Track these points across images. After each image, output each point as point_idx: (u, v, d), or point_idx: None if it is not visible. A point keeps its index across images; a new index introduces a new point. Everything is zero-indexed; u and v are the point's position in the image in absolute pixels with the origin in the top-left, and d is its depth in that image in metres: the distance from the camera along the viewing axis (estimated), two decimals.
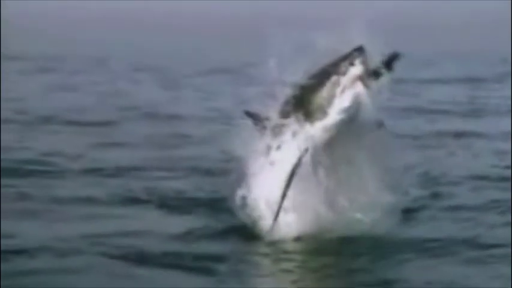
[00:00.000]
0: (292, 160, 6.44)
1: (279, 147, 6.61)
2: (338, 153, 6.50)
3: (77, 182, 9.41)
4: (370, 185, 6.65)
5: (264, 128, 6.76)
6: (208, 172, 9.44)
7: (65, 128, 13.80)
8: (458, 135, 13.51)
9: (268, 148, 6.71)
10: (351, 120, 6.29)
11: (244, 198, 6.81)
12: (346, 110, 6.24)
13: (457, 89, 22.65)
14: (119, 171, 9.92)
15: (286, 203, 6.51)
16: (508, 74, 29.14)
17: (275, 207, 6.50)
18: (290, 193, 6.50)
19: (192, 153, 11.12)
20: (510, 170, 9.92)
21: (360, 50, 6.14)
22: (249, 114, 6.95)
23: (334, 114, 6.25)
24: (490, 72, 29.92)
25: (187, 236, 7.13)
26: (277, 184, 6.57)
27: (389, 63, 6.33)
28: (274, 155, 6.65)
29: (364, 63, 6.12)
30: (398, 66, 6.45)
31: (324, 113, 6.30)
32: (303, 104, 6.42)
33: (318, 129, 6.34)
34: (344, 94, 6.23)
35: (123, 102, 17.32)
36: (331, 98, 6.26)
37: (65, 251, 6.62)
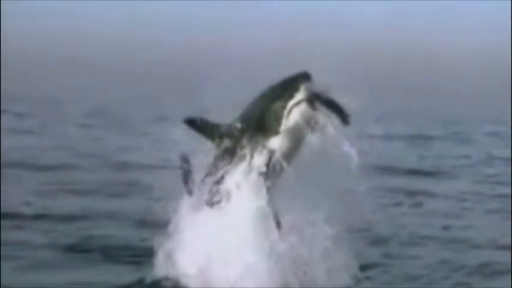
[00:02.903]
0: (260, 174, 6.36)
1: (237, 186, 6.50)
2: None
3: (24, 228, 9.26)
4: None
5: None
6: (154, 223, 9.36)
7: (15, 172, 13.63)
8: (408, 193, 13.62)
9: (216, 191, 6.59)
10: (299, 145, 6.32)
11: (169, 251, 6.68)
12: (293, 133, 6.30)
13: (405, 145, 23.06)
14: (66, 219, 9.83)
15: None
16: (457, 133, 29.74)
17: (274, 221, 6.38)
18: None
19: (139, 203, 11.04)
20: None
21: (305, 76, 6.24)
22: (185, 159, 6.81)
23: (281, 137, 6.30)
24: (440, 131, 30.51)
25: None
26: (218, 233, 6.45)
27: (341, 116, 6.37)
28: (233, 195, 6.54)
29: (309, 88, 6.20)
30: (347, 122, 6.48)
31: (272, 133, 6.33)
32: (251, 128, 6.40)
33: (273, 144, 6.33)
34: (290, 116, 6.29)
35: (75, 148, 17.18)
36: (278, 120, 6.31)
37: None
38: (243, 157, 6.39)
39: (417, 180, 15.89)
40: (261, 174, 6.32)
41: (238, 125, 6.42)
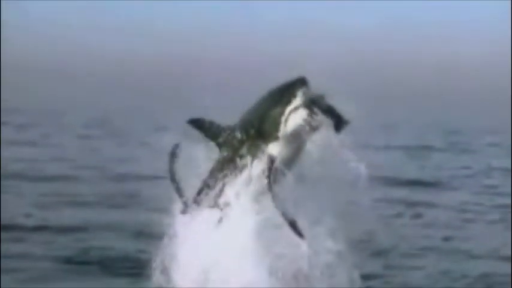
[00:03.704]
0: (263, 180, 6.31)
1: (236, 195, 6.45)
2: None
3: (24, 240, 9.26)
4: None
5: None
6: (152, 235, 9.33)
7: (14, 183, 13.63)
8: (409, 204, 13.61)
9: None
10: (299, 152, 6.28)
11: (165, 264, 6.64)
12: (291, 139, 6.26)
13: (405, 156, 23.07)
14: (65, 230, 9.84)
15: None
16: (457, 144, 29.75)
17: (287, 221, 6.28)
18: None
19: (139, 214, 11.03)
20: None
21: (302, 81, 6.22)
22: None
23: (279, 143, 6.26)
24: (440, 142, 30.52)
25: None
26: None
27: (336, 124, 6.34)
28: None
29: (306, 94, 6.18)
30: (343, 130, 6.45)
31: (271, 139, 6.29)
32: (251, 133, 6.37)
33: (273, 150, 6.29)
34: (288, 122, 6.25)
35: (74, 159, 17.19)
36: (276, 126, 6.28)
37: None
38: (242, 167, 6.36)
39: (417, 191, 15.87)
40: (263, 180, 6.26)
41: (237, 134, 6.39)
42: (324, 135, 6.17)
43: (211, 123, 6.53)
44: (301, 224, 6.22)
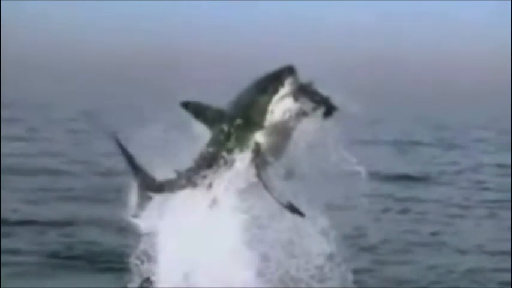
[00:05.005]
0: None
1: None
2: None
3: (10, 235, 9.20)
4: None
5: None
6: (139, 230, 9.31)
7: (3, 178, 13.55)
8: (397, 199, 13.64)
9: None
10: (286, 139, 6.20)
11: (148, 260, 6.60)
12: (278, 128, 6.17)
13: (395, 151, 23.07)
14: (52, 225, 9.80)
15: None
16: (446, 139, 29.80)
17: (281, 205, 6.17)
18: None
19: (126, 209, 10.98)
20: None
21: (289, 70, 6.15)
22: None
23: (266, 131, 6.17)
24: (429, 137, 30.56)
25: None
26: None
27: (325, 111, 6.28)
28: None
29: (294, 83, 6.10)
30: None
31: (258, 128, 6.20)
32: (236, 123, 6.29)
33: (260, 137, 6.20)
34: (275, 111, 6.16)
35: (63, 153, 17.12)
36: (263, 114, 6.19)
37: None
38: (229, 162, 6.28)
39: (405, 186, 15.90)
40: (251, 173, 6.16)
41: (224, 127, 6.29)
42: (312, 127, 6.11)
43: (204, 106, 6.43)
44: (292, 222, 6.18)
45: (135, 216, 6.76)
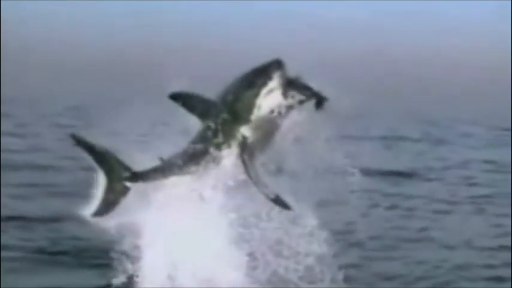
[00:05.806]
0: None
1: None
2: None
3: None
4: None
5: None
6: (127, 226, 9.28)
7: None
8: (385, 195, 13.66)
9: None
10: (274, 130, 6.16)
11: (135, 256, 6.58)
12: (265, 122, 6.13)
13: (381, 147, 23.10)
14: (39, 220, 9.79)
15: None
16: (433, 134, 29.87)
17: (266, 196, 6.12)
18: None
19: None
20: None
21: (278, 64, 6.11)
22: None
23: (253, 125, 6.12)
24: (416, 132, 30.63)
25: None
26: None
27: (316, 102, 6.25)
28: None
29: (282, 76, 6.06)
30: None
31: (245, 121, 6.15)
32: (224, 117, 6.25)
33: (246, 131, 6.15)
34: (263, 104, 6.11)
35: (50, 149, 17.06)
36: (251, 108, 6.14)
37: None
38: (217, 158, 6.23)
39: (393, 181, 15.93)
40: (238, 169, 6.12)
41: (211, 123, 6.23)
42: (301, 120, 6.07)
43: (193, 97, 6.37)
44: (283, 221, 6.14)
45: (98, 214, 6.68)
